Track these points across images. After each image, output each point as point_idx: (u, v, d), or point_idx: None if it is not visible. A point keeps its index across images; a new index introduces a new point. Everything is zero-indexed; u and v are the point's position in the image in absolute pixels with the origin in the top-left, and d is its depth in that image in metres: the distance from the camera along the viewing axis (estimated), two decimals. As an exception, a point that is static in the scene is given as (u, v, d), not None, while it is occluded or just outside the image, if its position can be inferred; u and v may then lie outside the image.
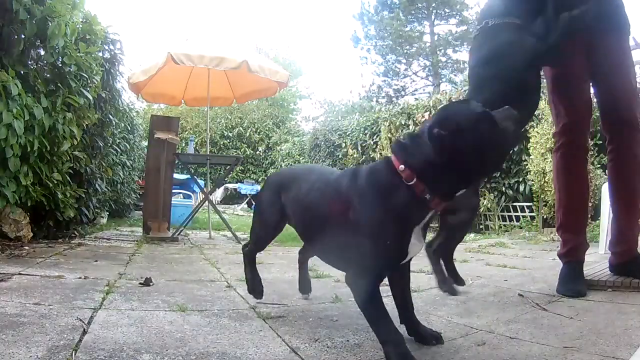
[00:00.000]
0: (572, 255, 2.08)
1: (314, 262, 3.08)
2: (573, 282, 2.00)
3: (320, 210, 1.42)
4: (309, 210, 1.49)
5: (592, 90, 2.12)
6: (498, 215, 6.05)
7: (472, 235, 5.71)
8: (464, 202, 1.82)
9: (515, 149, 5.67)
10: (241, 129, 16.53)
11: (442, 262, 2.10)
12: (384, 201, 1.19)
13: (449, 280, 1.67)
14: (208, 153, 6.78)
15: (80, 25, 3.72)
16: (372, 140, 8.45)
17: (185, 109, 14.88)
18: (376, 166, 1.28)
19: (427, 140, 1.13)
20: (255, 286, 1.85)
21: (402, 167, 1.17)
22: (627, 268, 2.05)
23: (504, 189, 5.99)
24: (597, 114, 2.13)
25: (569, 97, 2.04)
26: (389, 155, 1.26)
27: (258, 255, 3.62)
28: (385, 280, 1.36)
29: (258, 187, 13.61)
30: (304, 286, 2.01)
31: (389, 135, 7.70)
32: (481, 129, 1.13)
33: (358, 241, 1.21)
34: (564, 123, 2.06)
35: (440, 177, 1.15)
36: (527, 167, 5.39)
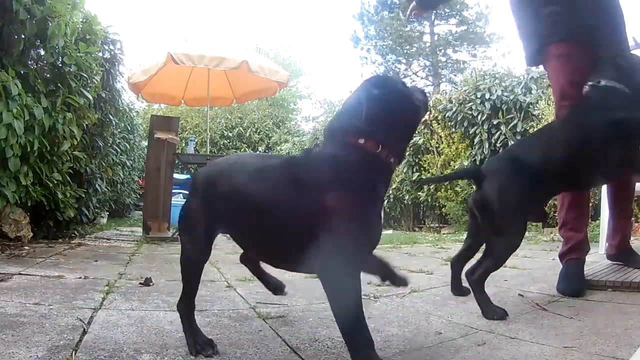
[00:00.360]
0: (573, 254, 2.12)
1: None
2: (573, 281, 2.02)
3: (280, 205, 1.19)
4: (261, 207, 1.21)
5: None
6: (498, 215, 6.05)
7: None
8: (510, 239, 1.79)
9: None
10: (241, 129, 16.51)
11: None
12: (364, 177, 1.18)
13: (498, 308, 1.66)
14: (208, 153, 6.78)
15: (80, 25, 3.72)
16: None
17: (185, 109, 14.86)
18: (334, 151, 1.21)
19: (366, 107, 1.18)
20: (202, 341, 1.27)
21: (361, 140, 1.18)
22: (620, 258, 2.30)
23: (504, 189, 5.98)
24: None
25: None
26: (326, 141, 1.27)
27: (258, 255, 3.55)
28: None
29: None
30: (276, 285, 1.68)
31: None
32: (404, 91, 1.27)
33: (341, 227, 1.10)
34: None
35: (390, 136, 1.20)
36: (527, 167, 5.38)
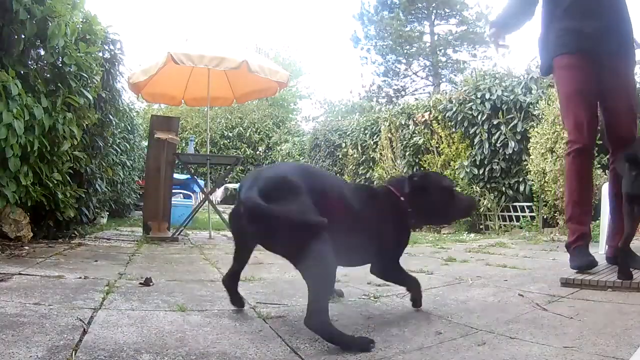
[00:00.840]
0: (580, 242, 2.35)
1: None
2: (585, 258, 2.27)
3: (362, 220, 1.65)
4: (352, 222, 1.61)
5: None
6: (498, 215, 6.06)
7: (472, 235, 5.71)
8: None
9: (515, 149, 5.69)
10: (241, 129, 16.53)
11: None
12: (391, 205, 1.80)
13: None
14: (208, 153, 6.78)
15: (80, 25, 3.72)
16: (372, 140, 8.45)
17: (185, 109, 14.89)
18: (382, 189, 1.88)
19: (409, 179, 1.80)
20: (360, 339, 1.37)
21: (402, 198, 1.79)
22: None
23: (504, 189, 5.99)
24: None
25: (581, 111, 2.31)
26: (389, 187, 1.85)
27: (258, 255, 3.61)
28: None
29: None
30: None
31: (389, 135, 7.70)
32: (440, 192, 1.83)
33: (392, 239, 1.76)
34: (576, 132, 2.35)
35: (414, 198, 1.77)
36: (527, 167, 5.39)
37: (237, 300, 1.77)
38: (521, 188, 5.79)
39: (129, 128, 7.14)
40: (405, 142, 7.38)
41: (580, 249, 2.33)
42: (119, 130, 6.10)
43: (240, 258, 1.74)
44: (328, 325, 1.34)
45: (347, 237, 1.55)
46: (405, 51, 22.04)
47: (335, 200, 1.57)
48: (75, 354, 1.17)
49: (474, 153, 6.21)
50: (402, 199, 1.77)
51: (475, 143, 6.24)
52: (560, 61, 2.37)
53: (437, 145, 6.80)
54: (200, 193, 6.38)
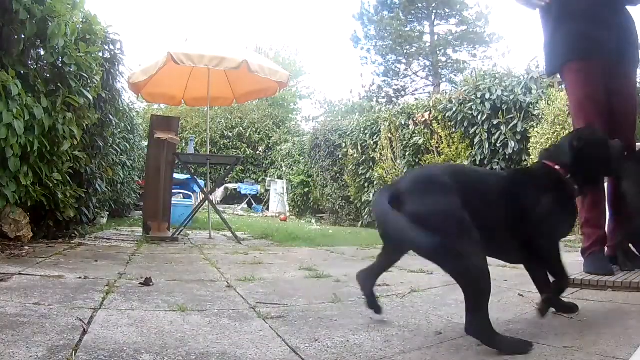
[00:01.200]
0: (595, 247, 2.31)
1: (314, 262, 3.08)
2: (604, 263, 2.23)
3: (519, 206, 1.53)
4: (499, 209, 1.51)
5: None
6: (498, 215, 6.04)
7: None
8: None
9: (515, 149, 5.70)
10: (241, 129, 16.51)
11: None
12: (556, 190, 1.60)
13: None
14: (208, 153, 6.78)
15: (80, 25, 3.72)
16: (372, 140, 8.45)
17: (185, 109, 14.87)
18: (538, 169, 1.71)
19: (567, 148, 1.63)
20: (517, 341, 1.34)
21: (557, 167, 1.63)
22: (619, 259, 2.35)
23: (504, 189, 5.98)
24: None
25: (593, 117, 2.30)
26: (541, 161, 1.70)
27: (258, 255, 3.60)
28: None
29: (258, 187, 13.59)
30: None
31: (389, 135, 7.69)
32: (598, 148, 1.66)
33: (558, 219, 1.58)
34: None
35: (579, 172, 1.61)
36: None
37: (372, 304, 1.65)
38: (521, 188, 5.78)
39: (129, 128, 7.13)
40: (405, 142, 7.38)
41: (595, 255, 2.30)
42: (119, 130, 6.09)
43: (384, 258, 1.67)
44: (489, 329, 1.31)
45: (505, 232, 1.51)
46: (405, 51, 22.02)
47: (487, 194, 1.49)
48: (75, 354, 1.17)
49: (474, 153, 6.21)
50: (561, 172, 1.61)
51: (475, 143, 6.24)
52: (571, 67, 2.36)
53: (437, 145, 6.80)
54: (200, 193, 6.37)
